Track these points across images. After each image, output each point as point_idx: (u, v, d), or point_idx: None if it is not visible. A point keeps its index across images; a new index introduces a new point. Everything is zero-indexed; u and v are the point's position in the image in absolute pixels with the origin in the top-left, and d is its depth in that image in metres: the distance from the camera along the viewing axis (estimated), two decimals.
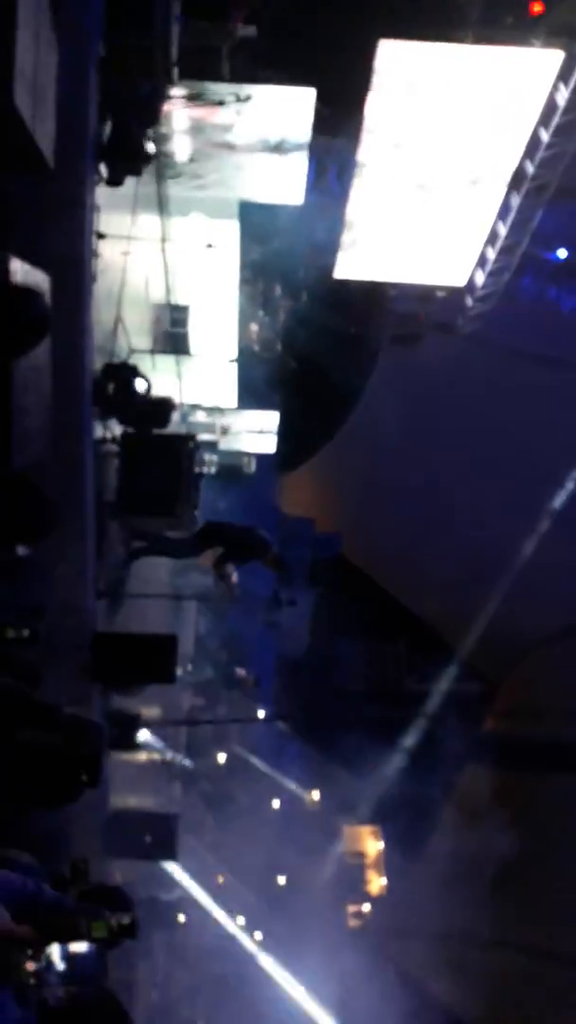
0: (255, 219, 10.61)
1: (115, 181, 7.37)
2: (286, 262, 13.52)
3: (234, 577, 8.50)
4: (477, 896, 17.51)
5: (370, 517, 22.58)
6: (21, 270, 4.14)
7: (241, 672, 16.29)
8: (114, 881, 8.00)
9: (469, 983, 17.58)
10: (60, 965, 2.19)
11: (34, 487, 2.98)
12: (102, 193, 7.18)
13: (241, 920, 17.81)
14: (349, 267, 13.50)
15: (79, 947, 2.28)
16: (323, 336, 15.39)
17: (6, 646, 3.32)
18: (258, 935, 17.89)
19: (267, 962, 17.05)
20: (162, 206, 9.12)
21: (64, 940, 2.97)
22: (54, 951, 2.21)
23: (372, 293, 15.08)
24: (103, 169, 7.18)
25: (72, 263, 6.40)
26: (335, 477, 22.86)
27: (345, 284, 14.10)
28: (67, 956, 2.23)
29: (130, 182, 7.66)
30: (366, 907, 22.75)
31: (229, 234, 10.00)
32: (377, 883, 23.15)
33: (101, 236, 7.28)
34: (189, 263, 9.95)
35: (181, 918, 13.08)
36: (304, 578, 22.26)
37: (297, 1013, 16.49)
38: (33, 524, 3.01)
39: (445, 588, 21.87)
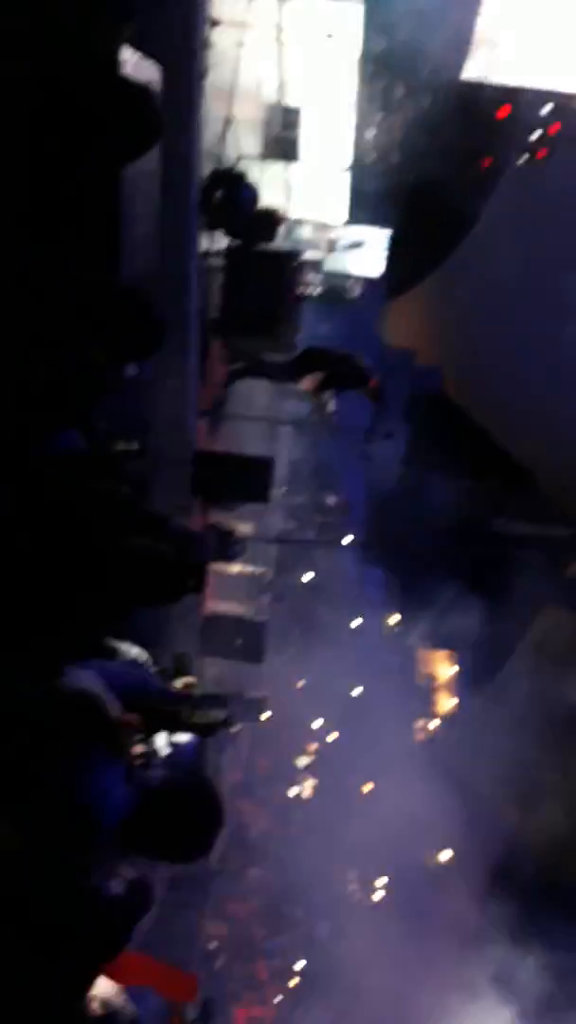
0: (382, 4, 9.49)
1: None
2: (412, 58, 12.21)
3: (331, 405, 8.47)
4: (543, 732, 18.29)
5: (474, 353, 21.66)
6: (132, 61, 3.88)
7: (332, 499, 16.54)
8: (207, 677, 8.73)
9: (523, 801, 18.83)
10: (165, 751, 2.41)
11: (145, 303, 2.94)
12: None
13: (319, 721, 19.30)
14: (481, 66, 12.12)
15: (182, 737, 2.49)
16: (445, 147, 14.13)
17: (116, 458, 3.43)
18: (334, 735, 19.41)
19: (340, 757, 18.58)
20: None
21: (169, 728, 3.29)
22: (160, 738, 2.42)
23: (504, 98, 13.61)
24: None
25: (183, 54, 5.95)
26: (441, 308, 21.78)
27: (475, 88, 12.72)
28: (171, 744, 2.45)
29: None
30: (433, 724, 24.20)
31: (352, 20, 9.01)
32: (447, 703, 24.46)
33: (215, 23, 6.72)
34: (305, 57, 9.10)
35: (265, 714, 14.27)
36: (401, 411, 21.92)
37: (365, 803, 18.13)
38: (143, 341, 3.01)
39: (545, 432, 21.18)
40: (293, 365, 8.46)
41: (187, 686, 3.71)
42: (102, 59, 2.68)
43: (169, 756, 2.57)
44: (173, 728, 3.53)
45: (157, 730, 2.88)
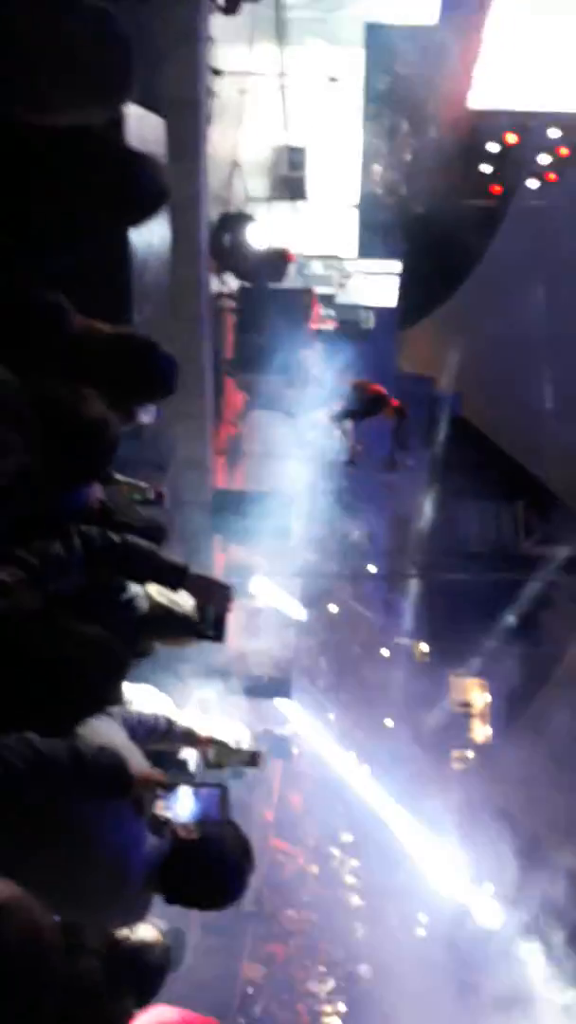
0: (383, 44, 9.66)
1: (230, 8, 6.84)
2: (415, 93, 12.38)
3: (351, 433, 8.46)
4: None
5: (493, 376, 21.64)
6: (135, 115, 3.97)
7: (355, 534, 16.51)
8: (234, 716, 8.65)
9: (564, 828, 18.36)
10: (189, 804, 2.40)
11: (155, 349, 2.98)
12: (216, 23, 6.70)
13: (351, 755, 19.05)
14: (486, 95, 12.24)
15: (205, 789, 2.48)
16: (452, 177, 14.25)
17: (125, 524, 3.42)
18: (366, 768, 19.13)
19: (374, 792, 18.30)
20: (280, 34, 8.43)
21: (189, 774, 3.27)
22: (184, 791, 2.42)
23: (510, 125, 13.73)
24: None
25: (187, 104, 6.10)
26: (457, 333, 21.83)
27: (479, 116, 12.86)
28: (195, 794, 2.44)
29: (246, 8, 7.09)
30: (470, 753, 23.78)
31: (354, 64, 9.20)
32: (482, 732, 24.04)
33: (217, 73, 6.87)
34: (309, 99, 9.28)
35: (295, 750, 14.13)
36: (422, 438, 21.90)
37: (398, 836, 17.79)
38: (153, 387, 3.04)
39: (568, 451, 21.04)
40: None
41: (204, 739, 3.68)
42: (103, 132, 2.73)
43: (194, 809, 2.55)
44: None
45: (178, 778, 2.87)
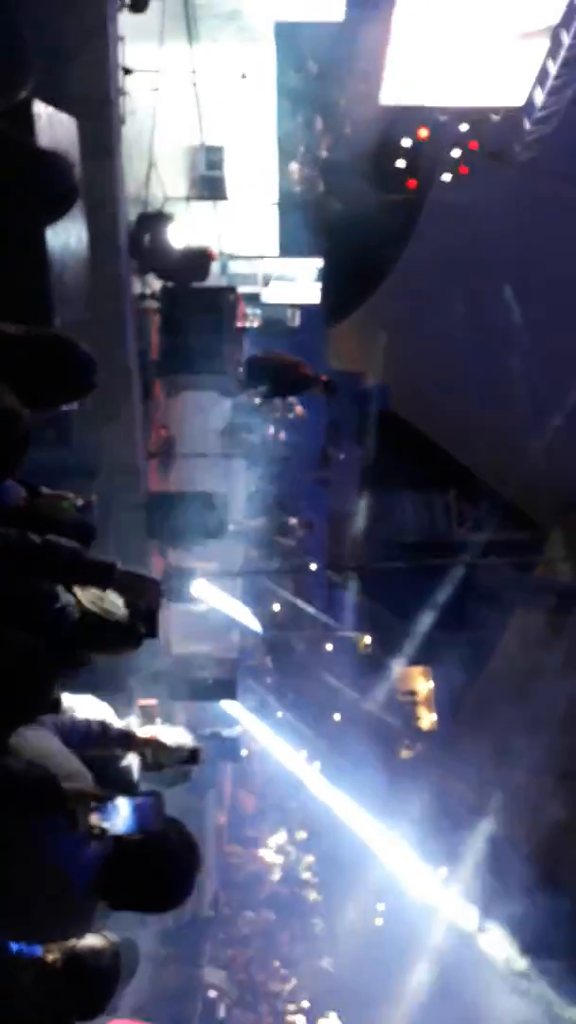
0: (292, 41, 9.70)
1: (139, 5, 6.75)
2: (327, 90, 12.50)
3: (298, 408, 8.45)
4: (528, 732, 18.34)
5: (418, 368, 22.01)
6: (46, 114, 3.88)
7: (293, 521, 16.52)
8: (178, 721, 8.58)
9: (517, 809, 18.82)
10: (125, 814, 2.35)
11: (70, 345, 2.91)
12: (125, 22, 6.61)
13: (302, 752, 19.13)
14: (396, 91, 12.43)
15: (140, 798, 2.43)
16: (368, 172, 14.43)
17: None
18: (317, 765, 19.24)
19: (325, 787, 18.41)
20: (190, 31, 8.37)
21: (120, 779, 3.20)
22: (120, 802, 2.36)
23: (421, 120, 13.96)
24: None
25: (98, 103, 6.00)
26: (383, 327, 22.12)
27: (391, 112, 13.04)
28: (130, 803, 2.38)
29: (155, 6, 7.01)
30: (417, 741, 24.16)
31: (264, 61, 9.19)
32: (428, 719, 24.45)
33: (128, 72, 6.77)
34: (222, 97, 9.25)
35: (244, 752, 14.11)
36: (353, 432, 22.12)
37: (353, 829, 17.93)
38: (75, 383, 2.97)
39: (495, 437, 21.54)
40: (240, 381, 8.51)
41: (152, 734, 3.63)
42: (8, 131, 2.66)
43: (130, 820, 2.48)
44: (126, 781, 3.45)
45: (116, 789, 2.82)
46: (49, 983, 2.54)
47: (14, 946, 2.58)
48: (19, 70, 2.53)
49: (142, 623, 2.93)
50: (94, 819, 2.31)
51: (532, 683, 19.66)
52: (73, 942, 2.94)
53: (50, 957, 2.76)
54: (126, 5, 6.66)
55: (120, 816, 2.35)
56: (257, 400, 9.83)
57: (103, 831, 2.32)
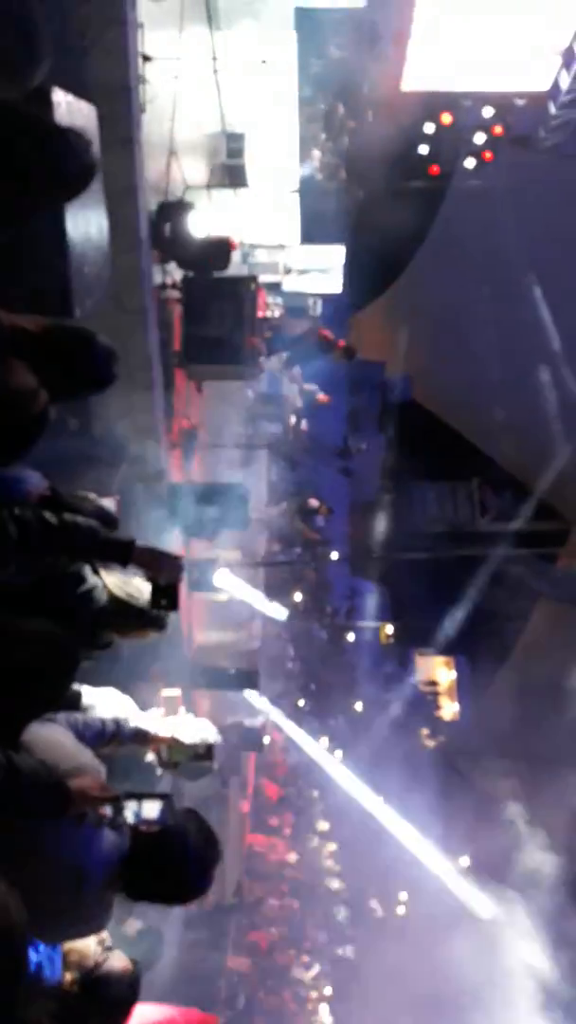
0: (313, 27, 9.60)
1: None
2: (349, 77, 12.34)
3: (311, 386, 8.37)
4: (547, 723, 18.23)
5: (442, 357, 21.82)
6: (65, 102, 3.86)
7: (315, 502, 16.46)
8: (201, 710, 8.61)
9: (537, 798, 18.72)
10: (130, 822, 2.34)
11: (90, 339, 2.89)
12: (144, 9, 6.56)
13: (324, 741, 19.17)
14: (418, 77, 12.25)
15: (151, 810, 2.41)
16: (390, 159, 14.26)
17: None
18: (339, 754, 19.26)
19: (347, 776, 18.44)
20: (211, 19, 8.31)
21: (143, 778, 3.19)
22: (128, 810, 2.35)
23: (444, 105, 13.78)
24: None
25: (118, 92, 5.97)
26: (405, 317, 21.95)
27: (414, 98, 12.87)
28: (137, 816, 2.37)
29: None
30: (439, 731, 24.11)
31: (285, 47, 9.10)
32: (450, 709, 24.38)
33: (147, 59, 6.73)
34: (243, 84, 9.17)
35: (266, 740, 14.14)
36: (375, 422, 22.01)
37: (375, 821, 17.95)
38: (93, 374, 2.95)
39: (520, 428, 21.32)
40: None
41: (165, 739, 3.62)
42: (21, 107, 2.64)
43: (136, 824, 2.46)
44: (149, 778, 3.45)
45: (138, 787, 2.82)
46: (67, 1008, 2.53)
47: (34, 957, 2.57)
48: (35, 55, 2.50)
49: (163, 598, 2.92)
50: (103, 812, 2.30)
51: (556, 674, 19.52)
52: (94, 962, 2.90)
53: (69, 977, 2.74)
54: None
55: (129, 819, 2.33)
56: (279, 366, 9.70)
57: (118, 822, 2.32)
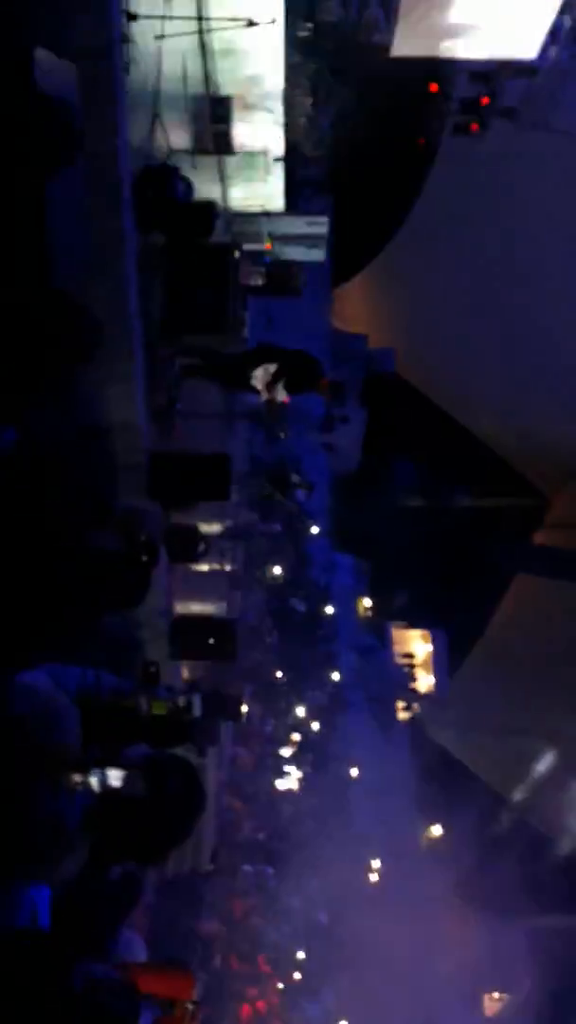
0: None
1: None
2: (337, 41, 12.14)
3: (282, 394, 8.39)
4: (521, 695, 18.54)
5: (425, 331, 21.76)
6: (47, 63, 3.76)
7: (296, 477, 16.45)
8: (181, 679, 8.65)
9: (505, 765, 19.10)
10: (96, 789, 2.33)
11: (75, 305, 2.87)
12: None
13: (301, 710, 19.37)
14: (407, 43, 12.08)
15: (115, 779, 2.39)
16: (378, 128, 14.08)
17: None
18: (315, 725, 19.50)
19: (325, 745, 18.65)
20: None
21: (127, 727, 3.22)
22: (93, 779, 2.34)
23: (432, 75, 13.61)
24: None
25: (100, 52, 5.81)
26: (389, 289, 21.82)
27: (403, 65, 12.69)
28: (103, 784, 2.36)
29: None
30: (415, 703, 24.42)
31: (273, 10, 8.91)
32: (425, 682, 24.68)
33: (132, 17, 6.55)
34: (230, 46, 8.99)
35: (244, 708, 14.24)
36: (357, 395, 21.94)
37: (350, 791, 18.23)
38: (78, 344, 2.94)
39: (500, 404, 21.39)
40: (243, 359, 8.41)
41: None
42: (7, 75, 2.59)
43: (103, 791, 2.45)
44: (134, 725, 3.48)
45: (112, 737, 2.83)
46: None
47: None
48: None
49: (144, 552, 2.93)
50: (76, 778, 2.31)
51: (530, 646, 19.81)
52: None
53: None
54: None
55: (93, 788, 2.34)
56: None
57: (85, 785, 2.33)
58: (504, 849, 18.40)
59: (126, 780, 2.37)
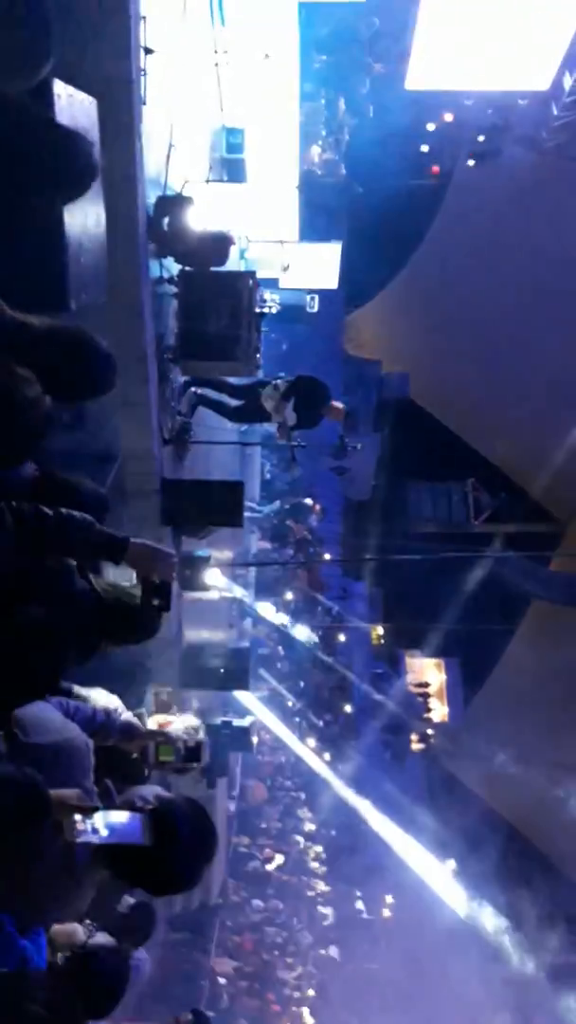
0: (316, 22, 9.53)
1: None
2: (351, 73, 12.28)
3: (291, 417, 8.36)
4: (539, 724, 18.23)
5: (439, 356, 21.77)
6: (65, 94, 3.78)
7: (309, 501, 16.40)
8: (191, 709, 8.54)
9: (522, 796, 18.74)
10: (103, 832, 2.24)
11: (91, 345, 2.85)
12: (146, 0, 6.47)
13: (311, 742, 19.13)
14: (422, 75, 12.18)
15: (120, 817, 2.31)
16: (391, 157, 14.20)
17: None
18: (327, 755, 19.24)
19: (335, 777, 18.41)
20: (213, 12, 8.23)
21: (132, 770, 3.14)
22: (98, 819, 2.25)
23: (446, 105, 13.73)
24: None
25: (119, 84, 5.87)
26: (402, 315, 21.89)
27: (416, 96, 12.80)
28: (110, 825, 2.27)
29: None
30: (430, 731, 24.07)
31: (287, 41, 9.03)
32: (440, 711, 24.36)
33: (149, 51, 6.63)
34: (245, 78, 9.10)
35: (255, 739, 14.09)
36: (370, 421, 21.94)
37: (362, 822, 17.93)
38: (92, 381, 2.91)
39: (516, 429, 21.29)
40: (249, 390, 8.44)
41: (162, 725, 3.58)
42: (27, 105, 2.59)
43: (108, 837, 2.37)
44: (138, 767, 3.40)
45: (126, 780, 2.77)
46: (59, 989, 2.50)
47: (21, 941, 2.54)
48: (45, 49, 2.46)
49: (156, 597, 2.84)
50: (80, 825, 2.22)
51: (547, 675, 19.53)
52: (82, 939, 2.92)
53: (58, 956, 2.72)
54: None
55: (100, 832, 2.25)
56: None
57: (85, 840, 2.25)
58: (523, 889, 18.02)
59: (126, 827, 2.29)
